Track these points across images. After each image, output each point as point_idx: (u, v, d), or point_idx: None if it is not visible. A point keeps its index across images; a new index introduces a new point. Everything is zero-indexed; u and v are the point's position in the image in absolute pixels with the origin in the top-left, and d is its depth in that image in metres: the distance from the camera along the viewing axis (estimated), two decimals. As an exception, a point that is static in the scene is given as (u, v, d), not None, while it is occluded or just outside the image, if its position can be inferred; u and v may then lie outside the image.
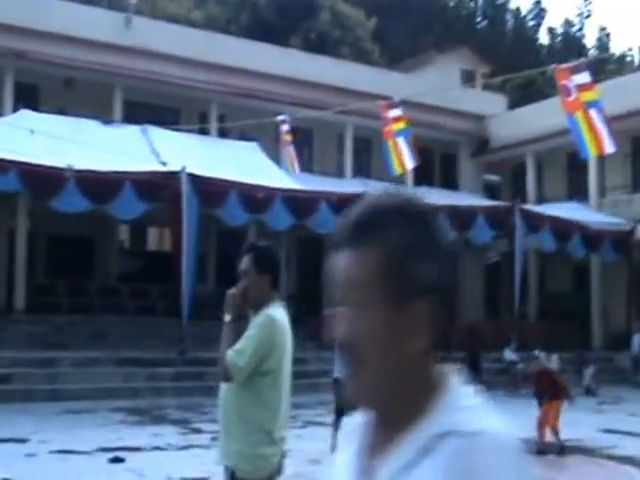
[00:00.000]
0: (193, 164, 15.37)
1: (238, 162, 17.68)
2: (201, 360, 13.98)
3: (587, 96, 9.75)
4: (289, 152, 16.57)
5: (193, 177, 15.06)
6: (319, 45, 36.30)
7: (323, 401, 13.60)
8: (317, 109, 20.69)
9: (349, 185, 19.43)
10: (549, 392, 9.98)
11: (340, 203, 17.42)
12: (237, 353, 2.94)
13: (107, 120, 18.47)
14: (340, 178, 21.82)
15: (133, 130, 17.80)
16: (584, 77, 9.93)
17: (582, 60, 10.57)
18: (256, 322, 3.03)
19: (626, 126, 21.46)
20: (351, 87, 23.07)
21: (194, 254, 15.52)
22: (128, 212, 15.63)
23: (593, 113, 9.68)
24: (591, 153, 10.18)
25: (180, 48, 20.86)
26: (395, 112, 13.79)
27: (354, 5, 44.81)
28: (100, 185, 14.43)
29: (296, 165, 16.70)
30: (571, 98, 9.87)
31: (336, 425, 9.54)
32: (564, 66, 10.35)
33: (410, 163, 13.86)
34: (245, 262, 3.10)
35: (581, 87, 9.83)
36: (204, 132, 20.69)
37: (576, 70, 10.04)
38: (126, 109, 20.03)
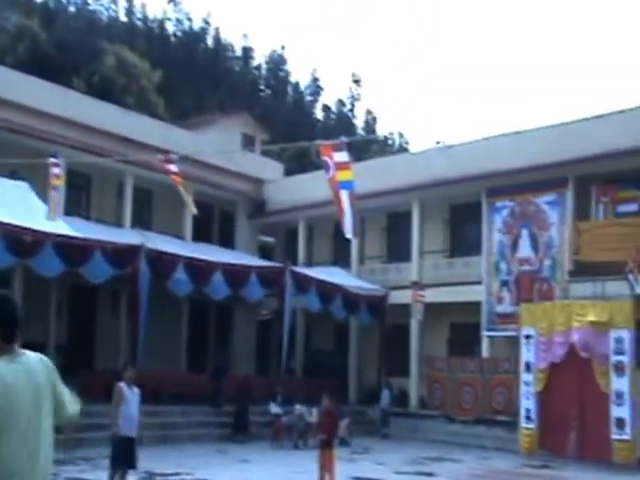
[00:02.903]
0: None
1: (5, 201, 16.52)
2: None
3: (342, 175, 10.06)
4: (52, 197, 15.72)
5: (-53, 214, 13.80)
6: (102, 90, 35.53)
7: (88, 456, 13.02)
8: (97, 155, 20.26)
9: (127, 236, 19.11)
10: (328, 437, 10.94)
11: (116, 253, 17.13)
12: None
13: None
14: (118, 228, 21.35)
15: None
16: (343, 156, 10.11)
17: (343, 139, 10.48)
18: None
19: (383, 203, 24.00)
20: (134, 137, 22.90)
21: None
22: None
23: (344, 194, 9.98)
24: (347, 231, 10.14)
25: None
26: (174, 167, 13.82)
27: (140, 55, 44.73)
28: None
29: (57, 211, 15.86)
30: (330, 175, 10.14)
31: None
32: (326, 143, 10.61)
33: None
34: None
35: (339, 165, 10.08)
36: (-34, 166, 18.95)
37: (337, 148, 10.21)
38: None
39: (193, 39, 58.04)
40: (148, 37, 53.81)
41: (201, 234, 24.39)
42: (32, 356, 2.94)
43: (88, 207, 22.73)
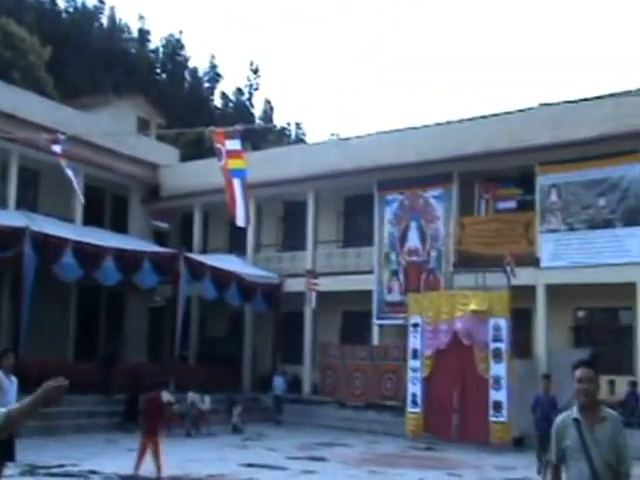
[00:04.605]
0: None
1: None
2: None
3: (233, 164, 10.01)
4: None
5: None
6: (-15, 64, 33.48)
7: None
8: (-22, 132, 19.16)
9: (10, 217, 18.21)
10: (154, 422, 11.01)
11: (-2, 236, 16.32)
12: None
13: None
14: (2, 209, 20.30)
15: None
16: (235, 144, 10.07)
17: (236, 127, 10.51)
18: None
19: (280, 192, 24.18)
20: (20, 115, 21.77)
21: None
22: None
23: (236, 182, 9.96)
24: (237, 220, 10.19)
25: None
26: (59, 147, 13.17)
27: (29, 29, 42.41)
28: None
29: None
30: (222, 162, 10.10)
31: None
32: (219, 130, 10.48)
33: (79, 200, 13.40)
34: None
35: (230, 153, 10.03)
36: None
37: (229, 136, 10.15)
38: None
39: (86, 17, 55.64)
40: (38, 12, 50.98)
41: (92, 218, 23.62)
42: None
43: (-32, 187, 21.49)
